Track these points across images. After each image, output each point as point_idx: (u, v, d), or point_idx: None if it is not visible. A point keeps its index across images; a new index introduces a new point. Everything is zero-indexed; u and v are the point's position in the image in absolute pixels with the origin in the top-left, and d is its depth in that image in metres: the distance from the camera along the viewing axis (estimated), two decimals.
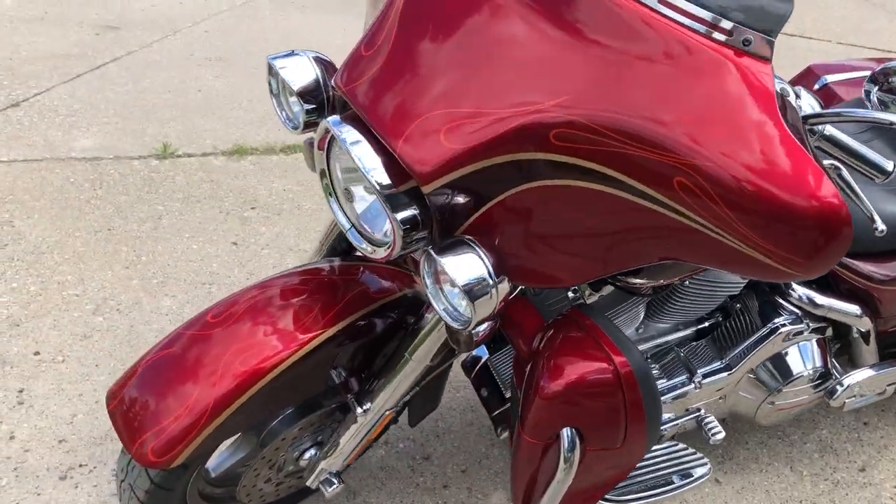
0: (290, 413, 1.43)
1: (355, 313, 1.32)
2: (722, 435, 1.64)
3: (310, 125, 1.27)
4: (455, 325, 1.10)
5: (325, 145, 1.19)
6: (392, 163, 1.07)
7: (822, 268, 1.00)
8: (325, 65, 1.27)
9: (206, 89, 3.50)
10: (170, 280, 2.38)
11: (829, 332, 1.75)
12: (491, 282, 1.05)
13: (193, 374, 1.24)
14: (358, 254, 1.53)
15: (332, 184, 1.23)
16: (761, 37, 0.96)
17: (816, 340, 1.72)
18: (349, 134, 1.09)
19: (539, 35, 1.05)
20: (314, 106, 1.24)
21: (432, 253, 1.06)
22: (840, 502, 1.88)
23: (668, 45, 0.98)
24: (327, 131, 1.16)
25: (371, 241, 1.19)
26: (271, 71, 1.28)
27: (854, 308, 1.69)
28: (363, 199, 1.22)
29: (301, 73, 1.25)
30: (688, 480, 1.62)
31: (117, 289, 2.31)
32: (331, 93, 1.25)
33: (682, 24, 0.98)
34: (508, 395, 1.66)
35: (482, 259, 1.06)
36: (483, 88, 1.04)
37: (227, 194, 2.79)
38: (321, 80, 1.24)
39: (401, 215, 1.07)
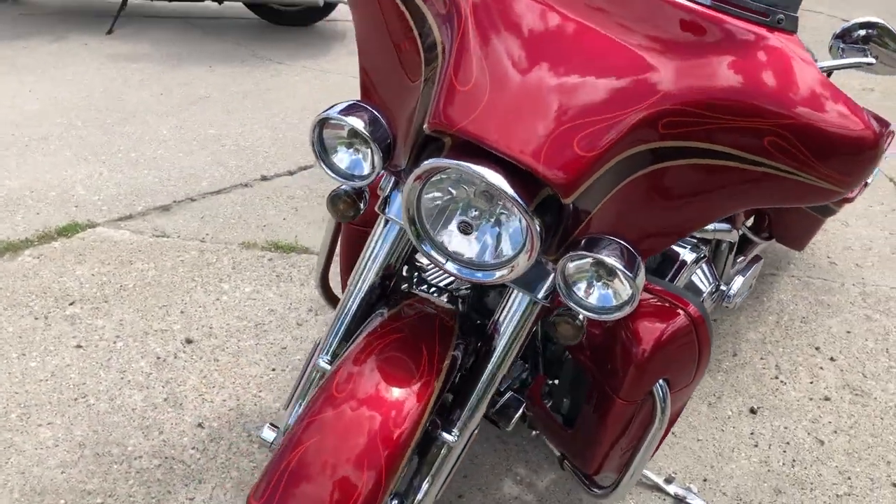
0: None
1: (449, 347, 1.32)
2: None
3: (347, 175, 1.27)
4: (609, 316, 1.19)
5: (417, 190, 1.19)
6: (517, 184, 1.12)
7: (863, 181, 1.27)
8: (370, 110, 1.25)
9: None
10: (32, 408, 2.01)
11: (707, 251, 2.12)
12: (639, 259, 1.16)
13: (346, 465, 1.15)
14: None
15: (419, 228, 1.23)
16: (789, 14, 1.20)
17: (706, 261, 2.07)
18: (480, 168, 1.11)
19: (622, 42, 1.17)
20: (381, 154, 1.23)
21: (587, 254, 1.14)
22: (735, 384, 2.29)
23: (730, 35, 1.17)
24: (428, 173, 1.16)
25: (482, 268, 1.22)
26: (324, 125, 1.22)
27: (726, 225, 2.07)
28: (452, 233, 1.24)
29: (361, 122, 1.22)
30: None
31: None
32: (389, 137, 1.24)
33: (734, 15, 1.18)
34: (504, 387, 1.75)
35: (623, 244, 1.16)
36: (592, 97, 1.13)
37: (30, 298, 2.39)
38: (385, 124, 1.22)
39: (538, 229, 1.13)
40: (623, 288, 1.17)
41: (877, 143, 1.20)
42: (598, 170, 1.12)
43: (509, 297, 1.34)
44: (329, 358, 1.43)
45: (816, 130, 1.15)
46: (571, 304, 1.20)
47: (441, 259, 1.24)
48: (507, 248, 1.20)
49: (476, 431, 1.45)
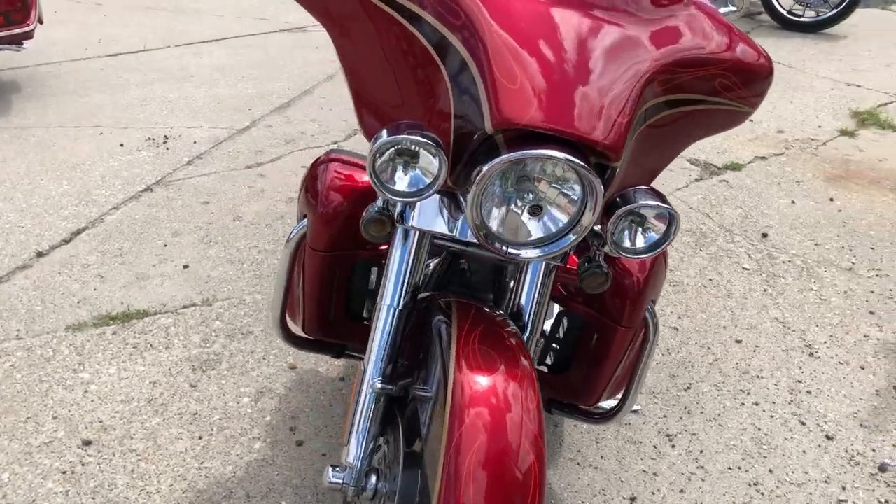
0: None
1: (511, 325, 1.43)
2: None
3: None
4: (660, 249, 1.39)
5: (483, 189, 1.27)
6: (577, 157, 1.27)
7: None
8: (413, 122, 1.30)
9: None
10: None
11: None
12: (662, 194, 1.39)
13: (513, 460, 1.21)
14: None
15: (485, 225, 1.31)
16: None
17: None
18: (552, 151, 1.23)
19: (610, 22, 1.37)
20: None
21: (648, 201, 1.33)
22: None
23: (668, 6, 1.45)
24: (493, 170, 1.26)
25: (543, 243, 1.35)
26: (380, 149, 1.24)
27: None
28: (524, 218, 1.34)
29: (420, 137, 1.26)
30: None
31: None
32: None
33: None
34: None
35: (645, 187, 1.38)
36: (611, 72, 1.32)
37: None
38: (431, 133, 1.28)
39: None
40: (660, 224, 1.39)
41: (772, 68, 1.57)
42: (627, 133, 1.32)
43: (524, 271, 1.49)
44: (381, 378, 1.45)
45: (743, 66, 1.48)
46: (624, 255, 1.39)
47: (504, 250, 1.34)
48: (563, 218, 1.34)
49: None
